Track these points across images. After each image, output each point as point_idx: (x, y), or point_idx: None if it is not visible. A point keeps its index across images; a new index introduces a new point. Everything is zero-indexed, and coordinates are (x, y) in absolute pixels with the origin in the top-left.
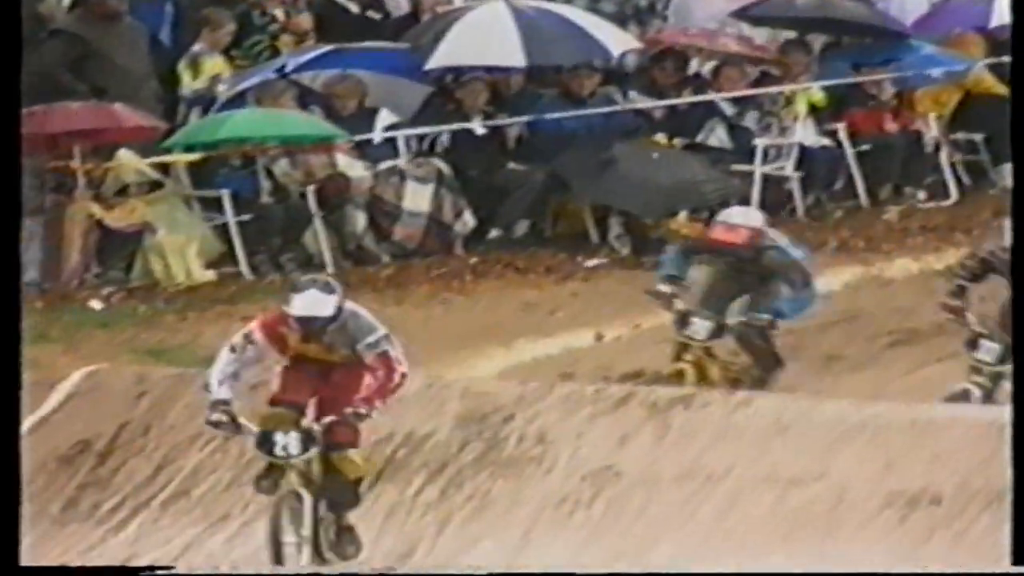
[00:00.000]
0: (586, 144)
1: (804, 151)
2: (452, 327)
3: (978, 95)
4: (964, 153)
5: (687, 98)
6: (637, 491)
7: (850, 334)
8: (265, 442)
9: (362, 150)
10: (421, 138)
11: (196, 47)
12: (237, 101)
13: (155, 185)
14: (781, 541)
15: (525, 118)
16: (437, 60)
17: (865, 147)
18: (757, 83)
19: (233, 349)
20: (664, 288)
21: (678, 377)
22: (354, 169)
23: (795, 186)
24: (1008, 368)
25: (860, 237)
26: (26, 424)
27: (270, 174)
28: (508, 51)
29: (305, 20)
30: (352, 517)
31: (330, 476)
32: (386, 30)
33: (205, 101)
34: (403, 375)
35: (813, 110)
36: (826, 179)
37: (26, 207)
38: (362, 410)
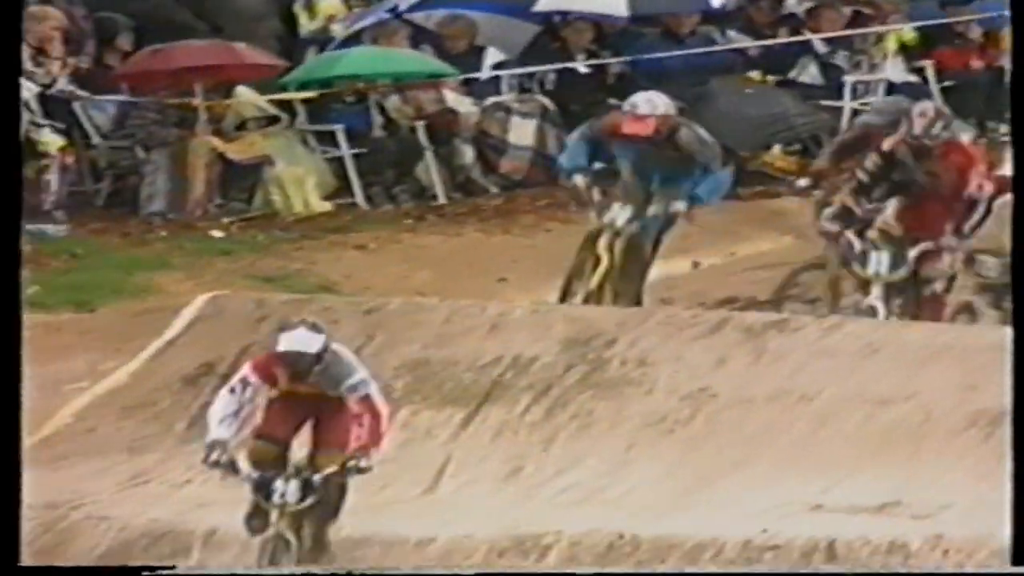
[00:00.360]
0: (684, 81)
1: (891, 87)
2: (557, 255)
3: None
4: None
5: (782, 38)
6: (732, 411)
7: None
8: (263, 487)
9: (469, 87)
10: (530, 75)
11: None
12: (352, 40)
13: (272, 120)
14: (869, 459)
15: (627, 58)
16: (544, 4)
17: (950, 83)
18: (850, 23)
19: (232, 391)
20: (579, 181)
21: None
22: (462, 105)
23: None
24: (899, 275)
25: None
26: (152, 347)
27: (382, 109)
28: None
29: None
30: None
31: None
32: None
33: (322, 40)
34: (388, 414)
35: (903, 48)
36: None
37: (150, 141)
38: (363, 464)
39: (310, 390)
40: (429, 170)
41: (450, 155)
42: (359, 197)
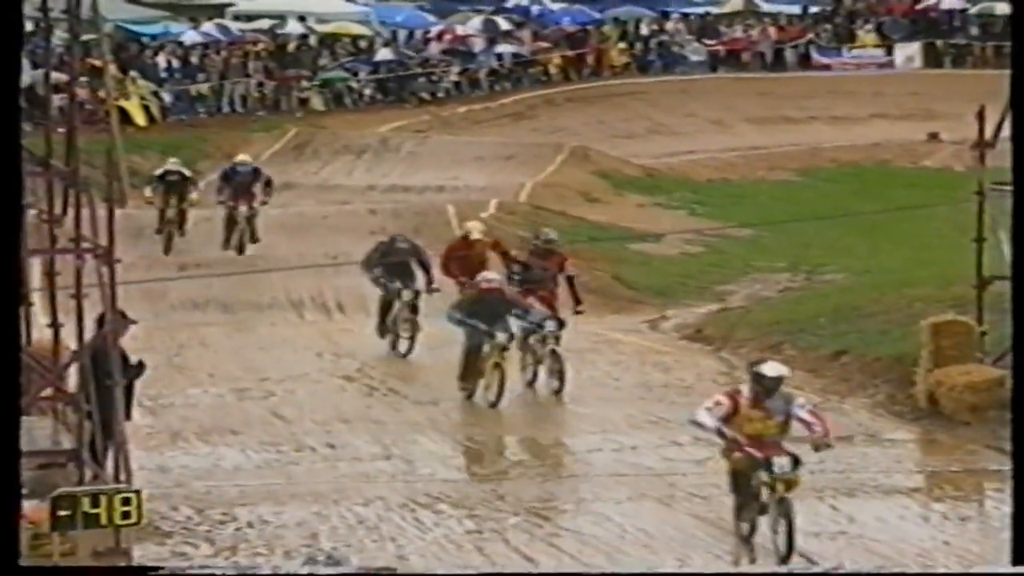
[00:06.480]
0: None
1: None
2: None
3: None
4: None
5: None
6: None
7: None
8: (768, 466)
9: None
10: None
11: None
12: None
13: None
14: None
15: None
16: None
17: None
18: None
19: (709, 409)
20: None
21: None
22: None
23: None
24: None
25: None
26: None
27: None
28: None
29: None
30: None
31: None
32: None
33: None
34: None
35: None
36: None
37: None
38: (831, 442)
39: (760, 420)
40: None
41: None
42: None
